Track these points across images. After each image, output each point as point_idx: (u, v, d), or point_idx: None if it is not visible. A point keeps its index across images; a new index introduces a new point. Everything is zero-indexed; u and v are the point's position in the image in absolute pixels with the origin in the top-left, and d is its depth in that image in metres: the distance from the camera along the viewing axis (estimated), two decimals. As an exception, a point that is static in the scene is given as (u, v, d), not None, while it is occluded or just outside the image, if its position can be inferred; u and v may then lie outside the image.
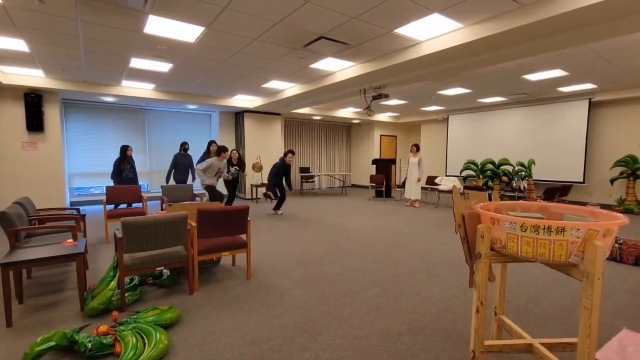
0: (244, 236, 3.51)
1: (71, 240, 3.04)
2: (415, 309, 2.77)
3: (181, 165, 7.20)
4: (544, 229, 1.44)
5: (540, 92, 7.65)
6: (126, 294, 2.82)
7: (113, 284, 2.76)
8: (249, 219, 3.42)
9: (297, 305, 2.85)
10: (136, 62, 5.33)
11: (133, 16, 3.60)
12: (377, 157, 12.43)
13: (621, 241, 4.15)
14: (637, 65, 5.38)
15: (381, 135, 12.91)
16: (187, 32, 4.02)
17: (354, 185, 13.41)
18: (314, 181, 12.08)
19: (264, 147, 10.04)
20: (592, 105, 7.75)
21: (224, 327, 2.47)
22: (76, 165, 8.29)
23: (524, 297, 3.00)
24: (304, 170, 11.55)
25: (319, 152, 12.63)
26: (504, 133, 9.43)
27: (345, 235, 5.35)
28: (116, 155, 6.65)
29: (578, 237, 1.40)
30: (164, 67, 5.58)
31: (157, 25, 3.83)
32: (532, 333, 2.40)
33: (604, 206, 7.32)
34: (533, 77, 6.14)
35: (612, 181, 7.55)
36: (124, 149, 6.57)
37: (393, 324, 2.51)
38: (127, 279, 3.11)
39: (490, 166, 8.93)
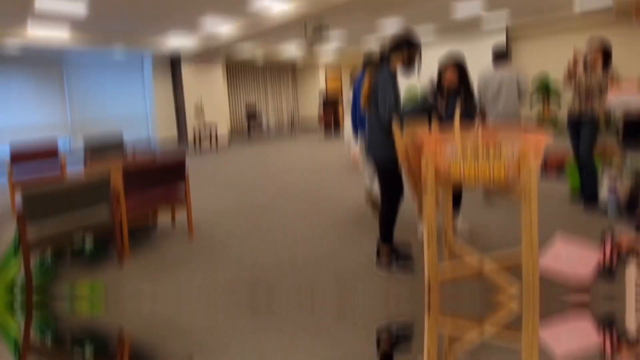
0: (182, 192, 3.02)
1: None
2: (373, 248, 2.31)
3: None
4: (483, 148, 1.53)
5: (465, 24, 8.01)
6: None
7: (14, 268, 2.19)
8: (186, 170, 2.92)
9: (247, 257, 2.58)
10: (42, 3, 4.54)
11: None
12: (324, 95, 12.21)
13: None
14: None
15: (327, 70, 12.89)
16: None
17: (303, 126, 13.31)
18: (261, 124, 11.61)
19: (205, 96, 9.42)
20: (509, 39, 8.57)
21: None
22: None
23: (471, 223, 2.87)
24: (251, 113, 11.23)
25: (265, 95, 12.22)
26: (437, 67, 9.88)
27: (297, 177, 5.19)
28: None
29: (513, 156, 1.50)
30: (77, 7, 4.81)
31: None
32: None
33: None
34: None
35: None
36: None
37: (349, 265, 2.35)
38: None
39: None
